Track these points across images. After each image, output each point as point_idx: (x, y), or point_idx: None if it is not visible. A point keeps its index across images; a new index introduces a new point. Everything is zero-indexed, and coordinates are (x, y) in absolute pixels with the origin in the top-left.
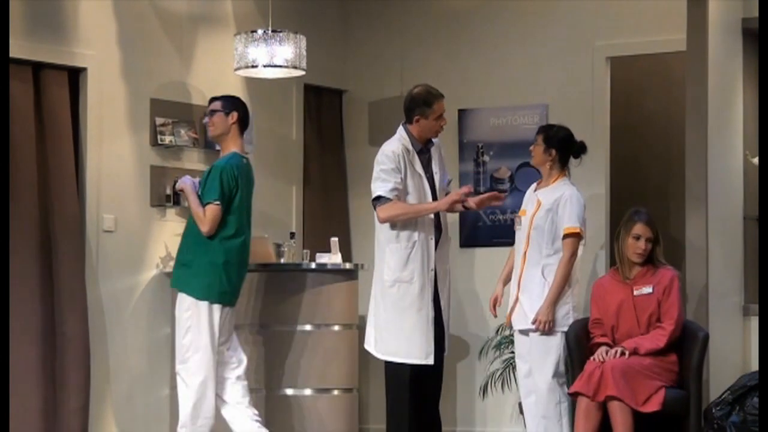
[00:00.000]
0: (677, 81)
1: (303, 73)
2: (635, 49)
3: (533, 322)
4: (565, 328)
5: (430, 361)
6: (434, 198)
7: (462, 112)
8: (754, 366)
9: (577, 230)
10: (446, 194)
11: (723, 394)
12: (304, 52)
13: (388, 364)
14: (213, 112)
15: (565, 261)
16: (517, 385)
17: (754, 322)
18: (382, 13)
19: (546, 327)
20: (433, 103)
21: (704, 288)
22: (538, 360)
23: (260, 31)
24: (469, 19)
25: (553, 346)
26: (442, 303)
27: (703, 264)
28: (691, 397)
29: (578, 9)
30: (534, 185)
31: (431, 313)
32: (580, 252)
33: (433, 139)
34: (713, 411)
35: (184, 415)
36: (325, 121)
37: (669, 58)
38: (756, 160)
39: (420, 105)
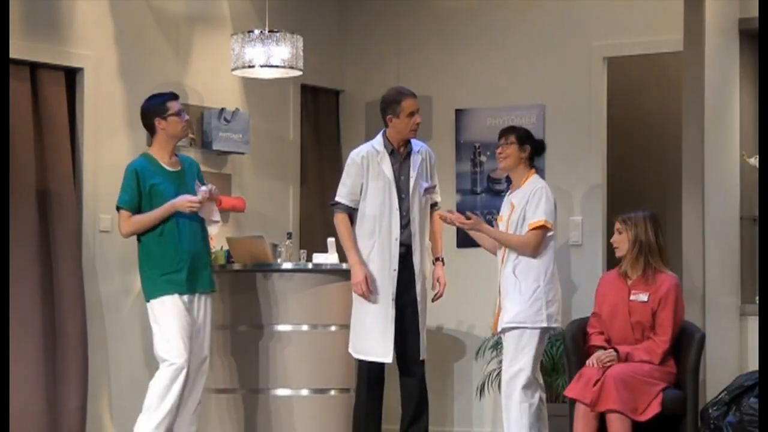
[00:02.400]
0: (674, 81)
1: (300, 73)
2: (632, 49)
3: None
4: (537, 325)
5: (387, 359)
6: (400, 200)
7: (459, 112)
8: (751, 366)
9: (541, 222)
10: (426, 201)
11: (720, 394)
12: (301, 53)
13: (359, 361)
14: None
15: (522, 239)
16: None
17: (751, 322)
18: (378, 14)
19: (455, 219)
20: (401, 100)
21: (701, 288)
22: (510, 356)
23: (257, 32)
24: (465, 19)
25: (526, 345)
26: (419, 308)
27: (699, 264)
28: (688, 398)
29: (575, 9)
30: (508, 192)
31: (391, 312)
32: (549, 251)
33: (419, 146)
34: (710, 411)
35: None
36: (322, 121)
37: (666, 58)
38: (752, 161)
39: (390, 105)
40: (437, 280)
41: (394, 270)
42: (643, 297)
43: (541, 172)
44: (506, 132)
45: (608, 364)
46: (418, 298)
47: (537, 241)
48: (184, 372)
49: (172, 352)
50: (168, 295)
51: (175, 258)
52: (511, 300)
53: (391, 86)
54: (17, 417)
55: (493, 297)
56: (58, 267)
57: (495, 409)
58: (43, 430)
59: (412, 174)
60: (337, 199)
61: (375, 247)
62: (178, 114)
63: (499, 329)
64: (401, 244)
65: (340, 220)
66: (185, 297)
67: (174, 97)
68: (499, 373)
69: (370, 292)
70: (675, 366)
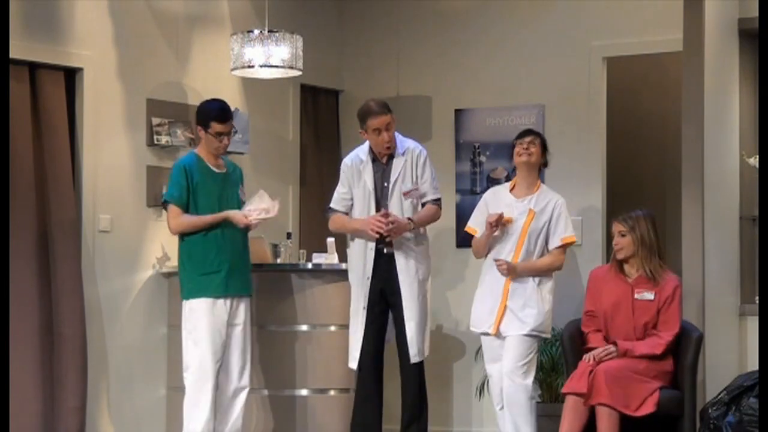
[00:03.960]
0: (674, 81)
1: (299, 73)
2: (632, 49)
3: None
4: (546, 335)
5: (353, 365)
6: (379, 208)
7: (458, 112)
8: (751, 366)
9: (573, 239)
10: (411, 203)
11: (719, 394)
12: (301, 53)
13: None
14: (232, 132)
15: (555, 259)
16: None
17: (751, 322)
18: (378, 14)
19: (506, 271)
20: (366, 119)
21: (701, 288)
22: (526, 359)
23: (256, 32)
24: (465, 19)
25: (536, 350)
26: (405, 312)
27: (699, 264)
28: (686, 397)
29: (575, 9)
30: (504, 188)
31: (362, 319)
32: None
33: (404, 148)
34: (709, 411)
35: (246, 407)
36: (322, 121)
37: (665, 58)
38: (752, 161)
39: (360, 120)
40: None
41: (368, 278)
42: (649, 295)
43: (540, 174)
44: (534, 133)
45: (605, 359)
46: (404, 300)
47: (564, 258)
48: (211, 380)
49: (198, 357)
50: (203, 298)
51: (216, 259)
52: (536, 308)
53: (366, 99)
54: (16, 417)
55: (492, 296)
56: (57, 267)
57: (493, 409)
58: (42, 430)
59: (392, 180)
60: (330, 205)
61: (356, 254)
62: (216, 136)
63: (510, 332)
64: (385, 250)
65: (333, 219)
66: (220, 301)
67: (223, 117)
68: None
69: (381, 222)
70: (673, 365)
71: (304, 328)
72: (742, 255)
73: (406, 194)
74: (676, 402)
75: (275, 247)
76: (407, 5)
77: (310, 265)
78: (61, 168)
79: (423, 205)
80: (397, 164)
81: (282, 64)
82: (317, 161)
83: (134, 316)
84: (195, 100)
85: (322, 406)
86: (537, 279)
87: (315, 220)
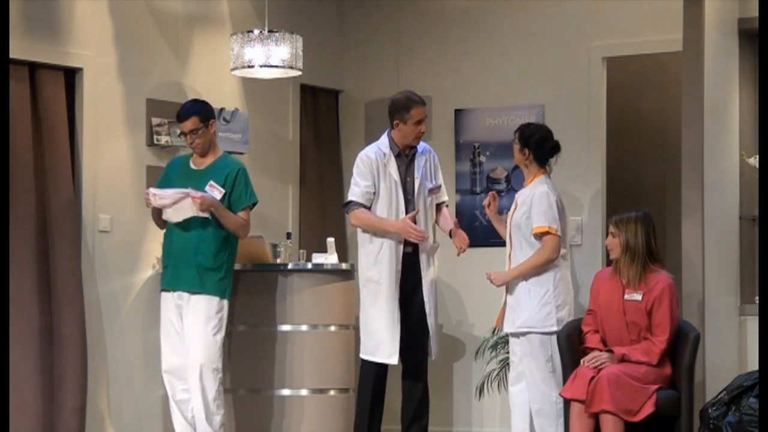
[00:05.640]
0: (673, 81)
1: (299, 73)
2: (631, 49)
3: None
4: (547, 330)
5: (393, 360)
6: (407, 202)
7: (458, 112)
8: (751, 366)
9: (545, 229)
10: (431, 201)
11: (719, 394)
12: (301, 53)
13: (363, 362)
14: (194, 131)
15: (540, 254)
16: None
17: (750, 322)
18: (378, 13)
19: (492, 281)
20: (411, 108)
21: (700, 288)
22: (525, 362)
23: (256, 32)
24: (465, 19)
25: (537, 348)
26: (427, 308)
27: (699, 264)
28: (683, 398)
29: (574, 9)
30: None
31: (397, 314)
32: (563, 251)
33: (422, 147)
34: (709, 411)
35: (208, 413)
36: (322, 121)
37: (665, 58)
38: (752, 160)
39: (399, 110)
40: (461, 242)
41: (398, 272)
42: (637, 296)
43: (546, 163)
44: (516, 129)
45: (601, 366)
46: (425, 299)
47: (552, 245)
48: (166, 376)
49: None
50: (162, 291)
51: (165, 254)
52: (522, 304)
53: (402, 90)
54: (16, 417)
55: (494, 296)
56: (57, 267)
57: (494, 409)
58: (42, 430)
59: (417, 175)
60: (350, 198)
61: (383, 248)
62: (181, 136)
63: (505, 329)
64: (409, 245)
65: (357, 214)
66: (170, 294)
67: (182, 117)
68: (498, 373)
69: (421, 231)
70: (671, 368)
71: (304, 328)
72: (741, 255)
73: (431, 191)
74: (673, 402)
75: (275, 247)
76: (407, 5)
77: (310, 265)
78: (61, 168)
79: (437, 205)
80: (420, 161)
81: (282, 64)
82: (317, 161)
83: (134, 316)
84: None
85: (322, 406)
86: (525, 276)
87: (315, 220)
